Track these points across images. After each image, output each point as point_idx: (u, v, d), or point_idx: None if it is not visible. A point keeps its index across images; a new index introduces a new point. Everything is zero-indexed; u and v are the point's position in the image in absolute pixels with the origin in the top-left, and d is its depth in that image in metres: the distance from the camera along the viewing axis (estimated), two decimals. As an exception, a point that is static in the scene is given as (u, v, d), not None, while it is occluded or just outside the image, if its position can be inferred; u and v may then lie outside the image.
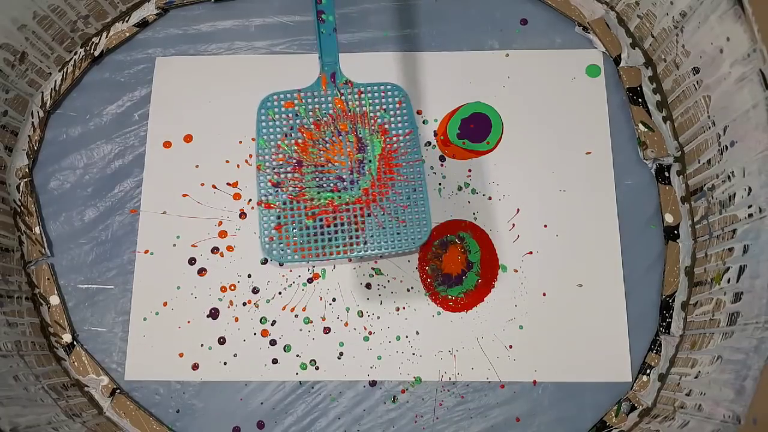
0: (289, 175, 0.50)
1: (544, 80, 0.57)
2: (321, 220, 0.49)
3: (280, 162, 0.51)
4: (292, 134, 0.51)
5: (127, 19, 0.58)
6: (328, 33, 0.52)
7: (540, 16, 0.58)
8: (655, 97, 0.55)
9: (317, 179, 0.50)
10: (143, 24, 0.58)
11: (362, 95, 0.52)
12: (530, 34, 0.58)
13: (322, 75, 0.52)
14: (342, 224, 0.49)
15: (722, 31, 0.46)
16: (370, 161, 0.51)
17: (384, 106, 0.52)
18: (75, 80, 0.57)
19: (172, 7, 0.59)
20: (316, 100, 0.52)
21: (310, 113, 0.52)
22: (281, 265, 0.54)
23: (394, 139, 0.51)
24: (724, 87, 0.47)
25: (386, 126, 0.51)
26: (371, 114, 0.52)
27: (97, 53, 0.57)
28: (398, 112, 0.52)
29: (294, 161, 0.51)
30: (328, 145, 0.51)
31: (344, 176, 0.50)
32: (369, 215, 0.49)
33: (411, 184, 0.50)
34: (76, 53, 0.57)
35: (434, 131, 0.56)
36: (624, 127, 0.55)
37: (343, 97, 0.52)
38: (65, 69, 0.57)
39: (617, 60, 0.57)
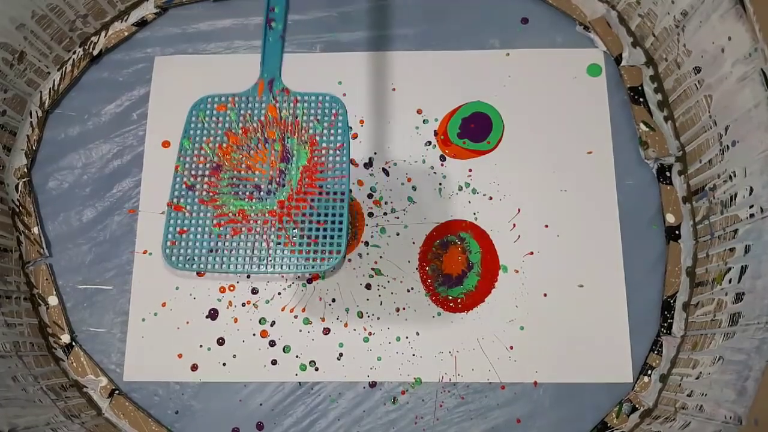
0: (206, 179, 0.48)
1: (544, 79, 0.56)
2: (227, 228, 0.47)
3: (200, 164, 0.48)
4: (218, 138, 0.49)
5: (125, 18, 0.58)
6: (274, 40, 0.50)
7: (541, 15, 0.58)
8: (656, 97, 0.55)
9: (233, 186, 0.48)
10: (142, 23, 0.58)
11: (297, 104, 0.50)
12: (531, 33, 0.58)
13: (260, 81, 0.50)
14: (249, 236, 0.46)
15: (724, 31, 0.46)
16: (292, 172, 0.48)
17: (318, 117, 0.49)
18: (74, 80, 0.57)
19: (171, 6, 0.59)
20: (249, 105, 0.50)
21: (241, 118, 0.49)
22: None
23: (323, 151, 0.49)
24: (725, 86, 0.47)
25: (316, 137, 0.49)
26: (303, 124, 0.49)
27: (95, 53, 0.57)
28: (333, 124, 0.49)
29: (213, 165, 0.48)
30: (252, 151, 0.49)
31: (262, 185, 0.48)
32: (279, 229, 0.47)
33: (331, 201, 0.47)
34: (74, 52, 0.57)
35: (434, 131, 0.56)
36: (625, 127, 0.55)
37: (277, 105, 0.49)
38: (64, 68, 0.57)
39: (618, 59, 0.57)
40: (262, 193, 0.48)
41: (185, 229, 0.47)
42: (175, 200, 0.48)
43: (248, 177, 0.48)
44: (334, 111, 0.50)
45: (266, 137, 0.49)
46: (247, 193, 0.48)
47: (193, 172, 0.48)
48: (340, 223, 0.47)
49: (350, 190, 0.53)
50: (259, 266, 0.46)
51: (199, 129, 0.50)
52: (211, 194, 0.48)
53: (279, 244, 0.46)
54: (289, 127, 0.49)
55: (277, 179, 0.48)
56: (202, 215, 0.47)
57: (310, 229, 0.47)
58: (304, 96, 0.50)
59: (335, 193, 0.48)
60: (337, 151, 0.49)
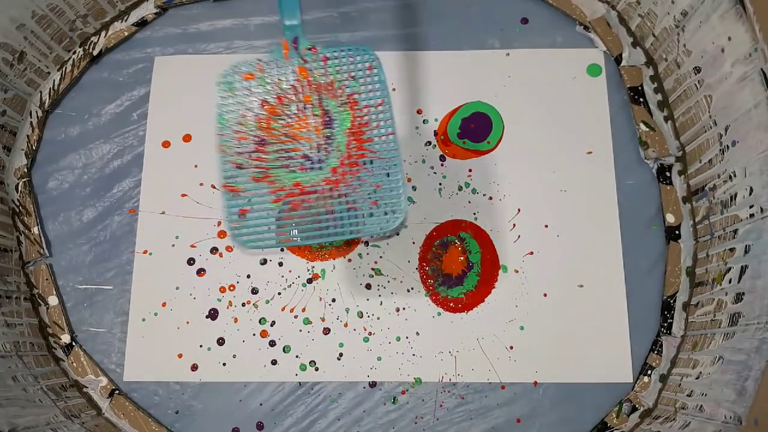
0: (253, 155, 0.46)
1: (544, 79, 0.56)
2: (288, 203, 0.46)
3: (243, 141, 0.47)
4: (254, 110, 0.47)
5: (125, 18, 0.58)
6: None
7: (541, 15, 0.58)
8: (656, 97, 0.55)
9: (282, 158, 0.46)
10: (142, 23, 0.58)
11: (328, 62, 0.47)
12: (531, 33, 0.58)
13: (284, 41, 0.47)
14: (310, 207, 0.46)
15: (723, 31, 0.46)
16: (338, 137, 0.46)
17: (352, 74, 0.47)
18: (74, 80, 0.57)
19: (171, 6, 0.59)
20: (278, 70, 0.47)
21: (273, 85, 0.47)
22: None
23: (365, 110, 0.47)
24: (725, 86, 0.47)
25: (355, 96, 0.47)
26: (338, 84, 0.47)
27: (95, 53, 0.57)
28: (368, 79, 0.47)
29: (257, 139, 0.47)
30: (292, 120, 0.47)
31: (311, 154, 0.46)
32: (339, 196, 0.46)
33: (384, 161, 0.46)
34: (74, 53, 0.57)
35: (434, 131, 0.56)
36: (625, 127, 0.55)
37: (306, 65, 0.47)
38: (64, 68, 0.57)
39: (618, 59, 0.57)
40: (312, 162, 0.47)
41: (247, 208, 0.46)
42: (228, 182, 0.46)
43: (295, 148, 0.47)
44: (367, 65, 0.48)
45: (303, 103, 0.47)
46: (299, 165, 0.46)
47: (238, 150, 0.47)
48: (397, 181, 0.46)
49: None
50: (327, 235, 0.46)
51: (232, 103, 0.48)
52: (262, 170, 0.47)
53: (342, 210, 0.45)
54: (325, 89, 0.47)
55: (325, 146, 0.47)
56: (259, 193, 0.46)
57: (369, 192, 0.46)
58: (333, 52, 0.48)
59: (386, 152, 0.46)
60: (379, 108, 0.47)
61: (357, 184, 0.46)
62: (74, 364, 0.51)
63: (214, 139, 0.52)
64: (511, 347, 0.51)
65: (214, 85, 0.49)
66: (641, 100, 0.55)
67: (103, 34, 0.58)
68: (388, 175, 0.46)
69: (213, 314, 0.52)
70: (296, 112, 0.47)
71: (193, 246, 0.53)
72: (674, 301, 0.51)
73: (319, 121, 0.47)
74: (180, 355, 0.51)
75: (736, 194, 0.47)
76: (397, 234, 0.54)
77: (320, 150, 0.47)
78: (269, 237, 0.46)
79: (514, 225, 0.54)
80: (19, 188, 0.54)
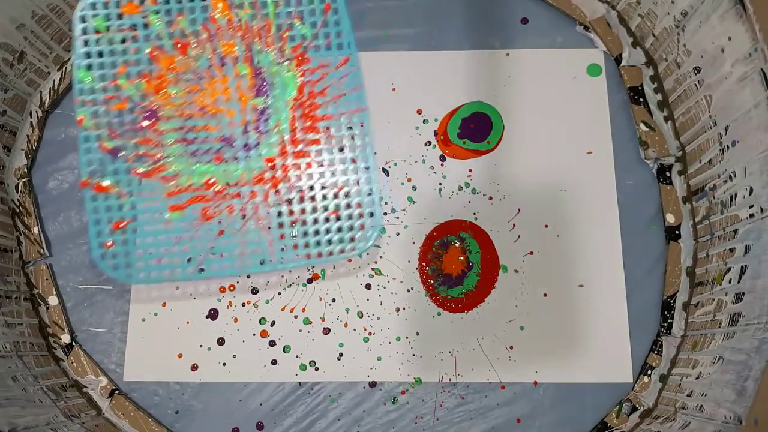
0: (137, 135, 0.31)
1: (544, 80, 0.56)
2: (190, 212, 0.32)
3: (119, 110, 0.31)
4: (139, 63, 0.31)
5: (125, 18, 0.58)
6: None
7: (541, 15, 0.58)
8: (656, 97, 0.55)
9: (185, 142, 0.31)
10: (142, 23, 0.58)
11: None
12: (531, 34, 0.58)
13: None
14: (231, 219, 0.31)
15: (723, 31, 0.46)
16: (277, 110, 0.31)
17: (300, 14, 0.32)
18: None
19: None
20: (176, 1, 0.31)
21: (169, 24, 0.31)
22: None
23: (319, 72, 0.32)
24: (725, 86, 0.47)
25: (306, 48, 0.32)
26: (277, 27, 0.31)
27: (95, 52, 0.57)
28: (326, 21, 0.32)
29: (144, 110, 0.31)
30: (203, 82, 0.31)
31: (233, 137, 0.31)
32: (278, 203, 0.32)
33: (348, 148, 0.32)
34: (74, 52, 0.57)
35: (434, 131, 0.56)
36: (625, 127, 0.55)
37: None
38: (64, 68, 0.57)
39: (618, 59, 0.56)
40: (236, 148, 0.31)
41: (124, 219, 0.32)
42: (92, 176, 0.31)
43: (208, 125, 0.31)
44: (325, 1, 0.32)
45: (221, 56, 0.31)
46: (213, 153, 0.31)
47: (112, 127, 0.31)
48: (368, 179, 0.32)
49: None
50: (255, 263, 0.32)
51: (102, 49, 0.31)
52: (152, 159, 0.31)
53: (279, 225, 0.31)
54: (257, 35, 0.32)
55: (257, 124, 0.31)
56: (145, 194, 0.31)
57: (325, 198, 0.32)
58: None
59: (351, 137, 0.32)
60: (343, 69, 0.32)
61: (307, 185, 0.32)
62: (74, 364, 0.51)
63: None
64: (511, 347, 0.51)
65: None
66: (641, 100, 0.55)
67: (103, 34, 0.58)
68: (355, 170, 0.32)
69: (213, 314, 0.52)
70: (209, 68, 0.32)
71: (193, 246, 0.53)
72: (674, 301, 0.51)
73: (247, 84, 0.32)
74: (180, 355, 0.51)
75: (736, 194, 0.47)
76: (398, 234, 0.53)
77: (248, 130, 0.32)
78: (161, 266, 0.32)
79: (514, 225, 0.54)
80: (19, 188, 0.54)
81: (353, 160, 0.32)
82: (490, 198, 0.54)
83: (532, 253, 0.53)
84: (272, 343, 0.51)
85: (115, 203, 0.31)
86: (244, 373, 0.51)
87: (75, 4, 0.54)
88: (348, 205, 0.33)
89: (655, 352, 0.51)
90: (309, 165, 0.31)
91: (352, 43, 0.32)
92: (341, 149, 0.32)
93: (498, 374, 0.51)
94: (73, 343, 0.52)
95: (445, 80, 0.57)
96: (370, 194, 0.32)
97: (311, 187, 0.32)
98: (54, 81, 0.56)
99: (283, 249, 0.32)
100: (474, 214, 0.54)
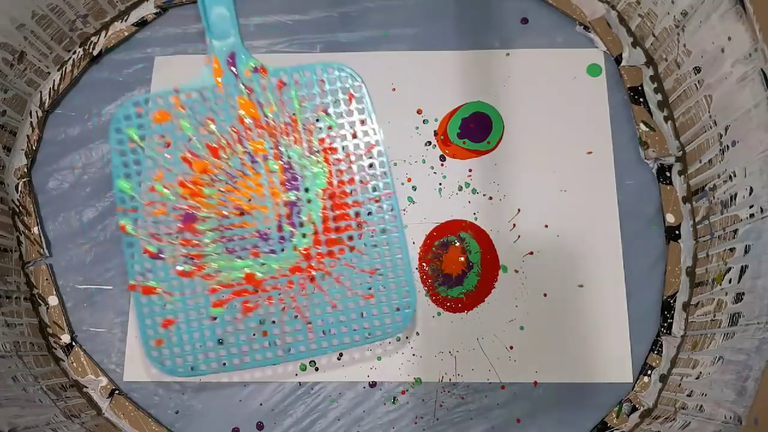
0: (176, 238, 0.33)
1: (544, 79, 0.56)
2: (235, 306, 0.33)
3: (159, 216, 0.33)
4: (174, 168, 0.33)
5: (125, 18, 0.58)
6: None
7: (541, 15, 0.58)
8: (656, 97, 0.55)
9: (223, 240, 0.33)
10: (142, 23, 0.58)
11: (285, 88, 0.33)
12: (531, 34, 0.58)
13: (213, 58, 0.33)
14: (271, 311, 0.32)
15: (723, 31, 0.46)
16: (308, 202, 0.33)
17: (324, 105, 0.33)
18: (74, 80, 0.57)
19: (171, 6, 0.59)
20: (208, 104, 0.33)
21: (200, 128, 0.33)
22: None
23: (346, 159, 0.34)
24: (725, 86, 0.47)
25: (332, 139, 0.33)
26: (304, 121, 0.33)
27: (95, 53, 0.57)
28: (350, 109, 0.34)
29: (181, 213, 0.33)
30: (235, 180, 0.33)
31: (268, 231, 0.33)
32: (314, 291, 0.33)
33: (379, 233, 0.33)
34: (74, 53, 0.57)
35: (434, 131, 0.56)
36: (625, 127, 0.55)
37: (252, 96, 0.33)
38: (64, 68, 0.57)
39: (618, 59, 0.56)
40: (271, 242, 0.33)
41: (171, 318, 0.34)
42: (138, 280, 0.33)
43: (243, 223, 0.33)
44: (348, 91, 0.35)
45: (252, 154, 0.33)
46: (250, 248, 0.33)
47: (153, 231, 0.33)
48: (401, 261, 0.33)
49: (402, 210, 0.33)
50: (297, 349, 0.33)
51: (137, 159, 0.33)
52: (193, 260, 0.33)
53: (321, 312, 0.32)
54: (284, 131, 0.33)
55: (289, 218, 0.33)
56: (189, 293, 0.33)
57: (360, 281, 0.33)
58: (293, 72, 0.34)
59: (382, 219, 0.33)
60: (370, 154, 0.34)
61: (342, 272, 0.33)
62: (74, 364, 0.51)
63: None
64: (511, 347, 0.51)
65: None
66: (641, 100, 0.55)
67: (103, 34, 0.58)
68: (388, 254, 0.33)
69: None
70: (241, 168, 0.33)
71: (193, 246, 0.53)
72: (674, 301, 0.51)
73: (278, 180, 0.33)
74: (180, 355, 0.51)
75: (736, 194, 0.47)
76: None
77: (282, 224, 0.33)
78: (209, 360, 0.33)
79: (514, 225, 0.54)
80: (19, 188, 0.54)
81: (385, 243, 0.33)
82: (490, 198, 0.54)
83: (532, 253, 0.53)
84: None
85: (161, 302, 0.33)
86: (244, 373, 0.51)
87: (75, 5, 0.54)
88: (382, 287, 0.34)
89: (655, 352, 0.51)
90: (342, 251, 0.32)
91: (377, 129, 0.34)
92: (372, 235, 0.33)
93: (498, 374, 0.51)
94: (73, 343, 0.52)
95: (445, 80, 0.57)
96: (403, 275, 0.33)
97: (346, 273, 0.33)
98: (54, 81, 0.56)
99: (323, 334, 0.33)
100: (474, 214, 0.54)
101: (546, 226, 0.53)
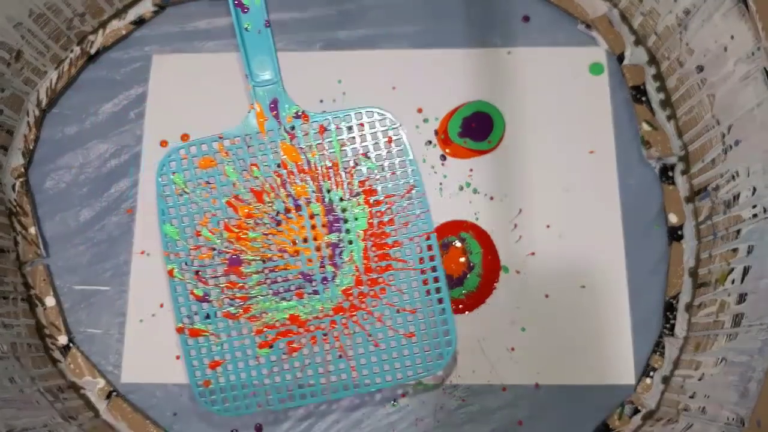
0: (222, 280, 0.34)
1: (546, 78, 0.56)
2: (280, 346, 0.34)
3: (205, 260, 0.34)
4: (219, 213, 0.34)
5: (123, 16, 0.58)
6: (256, 29, 0.34)
7: (542, 13, 0.58)
8: (658, 96, 0.55)
9: (268, 282, 0.34)
10: (140, 21, 0.58)
11: (326, 133, 0.34)
12: (532, 32, 0.57)
13: (256, 105, 0.34)
14: (315, 350, 0.34)
15: (726, 29, 0.46)
16: (350, 243, 0.34)
17: (365, 149, 0.35)
18: (71, 79, 0.56)
19: (169, 5, 0.58)
20: (251, 150, 0.34)
21: (244, 173, 0.34)
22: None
23: (387, 202, 0.35)
24: (728, 85, 0.47)
25: (372, 182, 0.35)
26: (344, 165, 0.34)
27: (93, 51, 0.57)
28: (388, 156, 0.35)
29: (227, 256, 0.34)
30: (279, 224, 0.34)
31: (311, 272, 0.34)
32: (356, 330, 0.34)
33: (419, 273, 0.34)
34: (72, 51, 0.57)
35: (435, 130, 0.55)
36: (627, 126, 0.55)
37: (294, 141, 0.34)
38: (61, 67, 0.56)
39: (620, 58, 0.56)
40: (314, 283, 0.34)
41: (218, 360, 0.35)
42: (186, 322, 0.35)
43: (287, 264, 0.34)
44: (387, 135, 0.36)
45: (295, 198, 0.34)
46: (294, 289, 0.34)
47: (200, 275, 0.35)
48: (441, 300, 0.35)
49: (439, 246, 0.36)
50: (341, 387, 0.35)
51: (183, 203, 0.35)
52: (239, 302, 0.34)
53: (365, 350, 0.34)
54: (325, 175, 0.34)
55: (332, 259, 0.34)
56: (235, 334, 0.34)
57: (402, 320, 0.34)
58: (333, 118, 0.35)
59: (420, 258, 0.35)
60: (410, 195, 0.35)
61: (383, 311, 0.34)
62: (71, 365, 0.51)
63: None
64: (513, 348, 0.51)
65: (213, 83, 0.45)
66: (643, 99, 0.55)
67: (100, 32, 0.57)
68: (428, 293, 0.34)
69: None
70: (284, 211, 0.34)
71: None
72: (677, 302, 0.51)
73: (320, 222, 0.34)
74: (178, 357, 0.51)
75: (738, 194, 0.47)
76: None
77: (325, 265, 0.34)
78: (256, 399, 0.36)
79: (516, 225, 0.53)
80: (16, 188, 0.54)
81: (425, 282, 0.35)
82: (491, 198, 0.54)
83: (533, 253, 0.53)
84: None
85: (209, 344, 0.34)
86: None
87: (72, 3, 0.54)
88: (423, 326, 0.35)
89: (658, 353, 0.51)
90: (383, 291, 0.34)
91: (416, 170, 0.36)
92: (412, 273, 0.35)
93: (499, 376, 0.50)
94: (71, 345, 0.52)
95: (445, 79, 0.56)
96: (442, 313, 0.35)
97: (387, 312, 0.34)
98: (51, 80, 0.56)
99: (365, 372, 0.35)
100: (475, 214, 0.53)
101: (548, 227, 0.53)
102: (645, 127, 0.54)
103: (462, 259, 0.52)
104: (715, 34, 0.47)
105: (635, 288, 0.52)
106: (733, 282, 0.46)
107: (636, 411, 0.50)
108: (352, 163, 0.35)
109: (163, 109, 0.56)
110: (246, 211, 0.34)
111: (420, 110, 0.56)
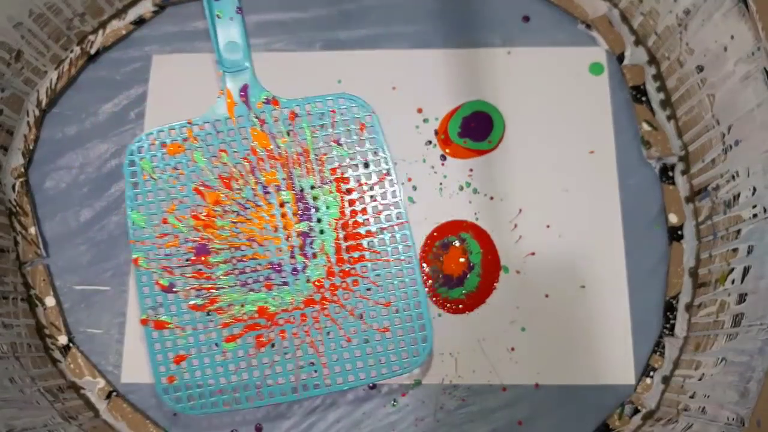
0: (189, 270, 0.33)
1: (546, 78, 0.56)
2: (248, 340, 0.33)
3: (171, 249, 0.33)
4: (187, 200, 0.33)
5: (123, 16, 0.58)
6: (228, 17, 0.34)
7: (542, 13, 0.58)
8: (658, 96, 0.55)
9: (236, 272, 0.33)
10: (140, 21, 0.58)
11: (297, 120, 0.34)
12: (532, 32, 0.57)
13: (226, 91, 0.34)
14: (285, 345, 0.32)
15: (726, 29, 0.46)
16: (321, 233, 0.33)
17: (336, 136, 0.34)
18: (71, 79, 0.56)
19: (169, 5, 0.58)
20: (220, 136, 0.34)
21: (212, 159, 0.34)
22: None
23: (359, 189, 0.34)
24: (728, 85, 0.47)
25: (344, 169, 0.34)
26: (316, 151, 0.34)
27: (93, 51, 0.57)
28: (361, 139, 0.35)
29: (194, 245, 0.33)
30: (248, 212, 0.33)
31: (281, 263, 0.33)
32: (328, 324, 0.33)
33: (393, 263, 0.34)
34: (72, 51, 0.57)
35: (435, 130, 0.55)
36: (627, 126, 0.55)
37: (265, 127, 0.34)
38: (61, 67, 0.56)
39: (620, 58, 0.56)
40: (284, 274, 0.33)
41: (183, 354, 0.34)
42: (150, 314, 0.34)
43: (256, 254, 0.33)
44: (359, 122, 0.36)
45: (264, 185, 0.34)
46: (263, 280, 0.33)
47: (165, 264, 0.33)
48: (415, 293, 0.34)
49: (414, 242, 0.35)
50: (311, 386, 0.34)
51: (151, 190, 0.34)
52: (205, 293, 0.33)
53: (333, 347, 0.33)
54: (296, 162, 0.34)
55: (302, 249, 0.33)
56: (201, 327, 0.33)
57: (375, 313, 0.33)
58: (303, 105, 0.35)
59: (395, 249, 0.34)
60: (383, 183, 0.35)
61: (355, 304, 0.33)
62: (71, 365, 0.51)
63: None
64: (513, 349, 0.51)
65: (212, 83, 0.46)
66: (644, 98, 0.55)
67: (100, 32, 0.57)
68: (402, 285, 0.33)
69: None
70: (253, 199, 0.34)
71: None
72: (677, 302, 0.51)
73: (291, 210, 0.34)
74: (178, 357, 0.51)
75: (739, 194, 0.47)
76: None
77: (295, 255, 0.33)
78: (223, 397, 0.34)
79: (516, 225, 0.53)
80: (16, 188, 0.54)
81: (399, 274, 0.33)
82: (491, 198, 0.54)
83: (533, 253, 0.53)
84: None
85: (174, 338, 0.33)
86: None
87: (72, 3, 0.54)
88: (398, 320, 0.34)
89: (658, 353, 0.51)
90: (356, 283, 0.32)
91: (388, 158, 0.34)
92: (386, 266, 0.33)
93: (499, 376, 0.50)
94: (71, 345, 0.51)
95: (445, 79, 0.56)
96: (418, 308, 0.33)
97: (360, 305, 0.33)
98: (51, 80, 0.56)
99: (338, 369, 0.34)
100: (475, 214, 0.53)
101: (548, 227, 0.53)
102: (645, 127, 0.54)
103: (462, 259, 0.52)
104: (715, 34, 0.47)
105: (635, 288, 0.52)
106: (733, 282, 0.46)
107: (636, 411, 0.50)
108: (323, 151, 0.34)
109: (163, 109, 0.56)
110: (214, 198, 0.33)
111: (420, 110, 0.56)
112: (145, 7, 0.58)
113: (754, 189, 0.45)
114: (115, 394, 0.50)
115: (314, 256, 0.33)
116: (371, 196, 0.34)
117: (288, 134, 0.34)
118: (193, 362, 0.33)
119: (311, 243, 0.33)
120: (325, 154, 0.34)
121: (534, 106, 0.56)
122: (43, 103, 0.56)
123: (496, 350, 0.51)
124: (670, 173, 0.54)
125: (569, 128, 0.55)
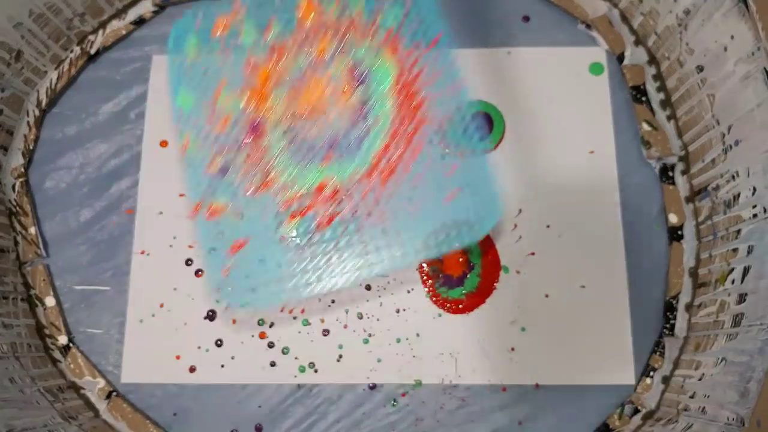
0: (243, 152, 0.30)
1: (546, 78, 0.56)
2: (311, 219, 0.30)
3: (222, 131, 0.30)
4: (236, 78, 0.30)
5: (123, 16, 0.58)
6: None
7: (542, 13, 0.58)
8: (658, 96, 0.55)
9: (293, 147, 0.30)
10: (140, 21, 0.58)
11: None
12: (532, 32, 0.57)
13: None
14: (348, 220, 0.29)
15: (726, 29, 0.46)
16: (378, 99, 0.30)
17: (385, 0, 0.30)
18: (71, 79, 0.56)
19: (169, 5, 0.58)
20: (266, 8, 0.31)
21: (262, 32, 0.30)
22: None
23: (415, 53, 0.31)
24: (728, 85, 0.47)
25: (397, 33, 0.31)
26: (366, 17, 0.31)
27: (93, 51, 0.57)
28: (412, 4, 0.31)
29: (247, 124, 0.30)
30: (301, 84, 0.30)
31: (339, 135, 0.30)
32: (392, 195, 0.30)
33: (457, 126, 0.30)
34: (72, 51, 0.57)
35: (435, 130, 0.55)
36: (627, 126, 0.55)
37: None
38: (61, 67, 0.56)
39: (620, 58, 0.56)
40: (342, 146, 0.30)
41: (241, 240, 0.31)
42: (202, 200, 0.31)
43: (312, 128, 0.30)
44: None
45: (317, 55, 0.30)
46: (321, 154, 0.30)
47: (218, 147, 0.30)
48: (483, 156, 0.30)
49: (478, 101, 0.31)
50: (387, 262, 0.30)
51: (199, 73, 0.31)
52: (262, 171, 0.30)
53: (403, 217, 0.30)
54: (347, 27, 0.30)
55: (361, 118, 0.30)
56: (259, 210, 0.30)
57: (441, 181, 0.30)
58: None
59: (457, 108, 0.31)
60: (437, 47, 0.32)
61: (421, 171, 0.30)
62: (71, 365, 0.51)
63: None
64: (513, 349, 0.51)
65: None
66: (644, 99, 0.55)
67: (100, 32, 0.57)
68: (464, 149, 0.30)
69: (211, 315, 0.52)
70: (306, 67, 0.30)
71: (190, 246, 0.53)
72: (677, 302, 0.51)
73: (345, 80, 0.30)
74: (178, 357, 0.51)
75: (739, 194, 0.47)
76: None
77: (354, 125, 0.30)
78: (287, 287, 0.30)
79: (516, 225, 0.53)
80: (16, 188, 0.54)
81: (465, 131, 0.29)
82: (491, 198, 0.54)
83: (533, 253, 0.53)
84: (271, 345, 0.51)
85: (227, 226, 0.30)
86: (243, 374, 0.51)
87: (72, 3, 0.54)
88: (468, 178, 0.31)
89: (658, 353, 0.50)
90: (419, 149, 0.29)
91: (440, 23, 0.31)
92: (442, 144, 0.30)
93: (499, 376, 0.50)
94: (71, 345, 0.51)
95: (445, 79, 0.56)
96: (485, 171, 0.30)
97: (424, 171, 0.30)
98: (51, 80, 0.56)
99: (404, 241, 0.30)
100: (475, 214, 0.53)
101: (548, 227, 0.53)
102: (645, 127, 0.54)
103: (462, 260, 0.52)
104: (715, 34, 0.47)
105: (635, 288, 0.52)
106: (733, 282, 0.46)
107: (636, 411, 0.50)
108: (375, 13, 0.31)
109: (163, 109, 0.56)
110: (265, 72, 0.30)
111: (420, 110, 0.56)
112: (145, 7, 0.58)
113: (754, 189, 0.45)
114: (115, 394, 0.50)
115: (372, 125, 0.30)
116: (428, 57, 0.31)
117: (337, 1, 0.30)
118: (255, 250, 0.30)
119: (369, 112, 0.30)
120: (376, 19, 0.31)
121: (534, 106, 0.55)
122: (43, 103, 0.56)
123: (496, 350, 0.51)
124: (670, 173, 0.54)
125: (569, 128, 0.55)
